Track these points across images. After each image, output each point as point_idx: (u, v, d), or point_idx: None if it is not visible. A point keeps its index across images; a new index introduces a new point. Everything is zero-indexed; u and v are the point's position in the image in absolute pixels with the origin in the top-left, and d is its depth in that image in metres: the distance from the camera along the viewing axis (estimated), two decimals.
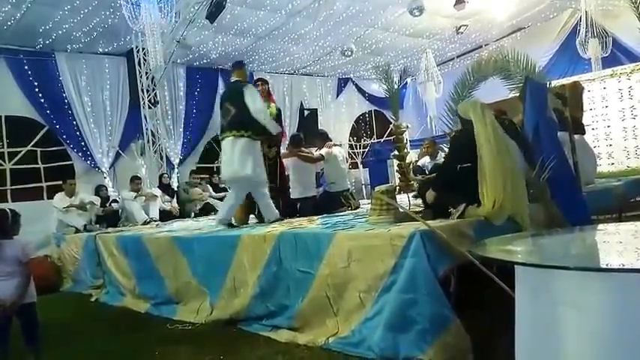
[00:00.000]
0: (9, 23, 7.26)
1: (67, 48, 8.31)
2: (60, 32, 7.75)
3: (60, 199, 7.13)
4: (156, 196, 7.93)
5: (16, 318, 3.07)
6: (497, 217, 2.82)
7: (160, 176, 8.64)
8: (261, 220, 4.82)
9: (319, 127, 10.28)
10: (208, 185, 8.90)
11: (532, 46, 9.06)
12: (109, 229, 6.91)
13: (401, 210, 3.25)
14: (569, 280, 1.29)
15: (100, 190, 7.94)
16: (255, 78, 6.30)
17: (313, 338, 3.06)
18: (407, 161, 4.83)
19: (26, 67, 7.98)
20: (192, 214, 8.08)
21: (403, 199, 4.24)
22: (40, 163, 8.31)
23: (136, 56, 8.59)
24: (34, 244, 3.58)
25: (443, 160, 4.69)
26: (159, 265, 4.69)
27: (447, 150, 4.05)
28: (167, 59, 8.28)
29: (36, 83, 8.05)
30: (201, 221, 6.72)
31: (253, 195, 4.69)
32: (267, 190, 4.69)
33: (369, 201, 4.96)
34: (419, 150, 7.85)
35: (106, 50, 8.78)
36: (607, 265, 1.42)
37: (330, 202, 5.65)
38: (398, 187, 4.50)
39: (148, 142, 8.89)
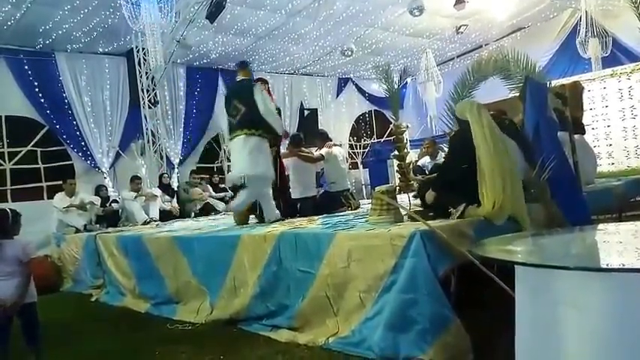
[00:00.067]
0: (9, 23, 7.25)
1: (67, 48, 8.31)
2: (60, 32, 7.75)
3: (60, 199, 7.13)
4: (156, 196, 7.93)
5: (16, 318, 3.07)
6: (497, 217, 2.83)
7: (160, 176, 8.64)
8: (261, 220, 4.82)
9: (319, 127, 10.28)
10: (208, 185, 8.92)
11: (532, 45, 9.06)
12: (109, 229, 6.90)
13: (401, 210, 3.25)
14: (570, 280, 1.29)
15: (100, 190, 7.94)
16: (255, 78, 6.28)
17: (313, 338, 3.06)
18: (407, 161, 4.82)
19: (26, 67, 7.98)
20: (193, 214, 8.09)
21: (403, 199, 4.24)
22: (40, 163, 8.30)
23: (136, 56, 8.59)
24: (34, 244, 3.56)
25: (443, 160, 4.69)
26: (159, 265, 4.69)
27: (447, 150, 4.05)
28: (167, 59, 8.28)
29: (36, 83, 8.05)
30: (202, 221, 6.73)
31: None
32: (271, 190, 4.69)
33: (370, 201, 4.95)
34: (419, 150, 7.84)
35: (106, 50, 8.77)
36: (607, 265, 1.42)
37: (330, 202, 5.65)
38: (398, 187, 4.49)
39: (148, 142, 8.89)
